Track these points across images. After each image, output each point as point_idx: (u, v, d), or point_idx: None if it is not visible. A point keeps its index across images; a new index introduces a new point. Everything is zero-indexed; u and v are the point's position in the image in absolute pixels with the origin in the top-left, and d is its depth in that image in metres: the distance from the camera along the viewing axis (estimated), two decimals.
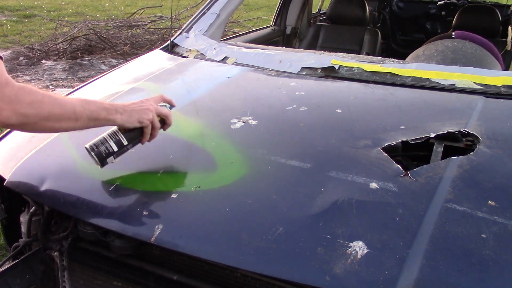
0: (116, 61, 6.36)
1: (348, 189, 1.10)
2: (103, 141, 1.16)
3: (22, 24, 8.82)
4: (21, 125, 1.03)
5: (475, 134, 1.30)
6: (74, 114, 1.08)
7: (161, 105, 1.25)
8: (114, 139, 1.17)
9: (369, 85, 1.70)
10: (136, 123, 1.17)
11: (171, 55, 2.14)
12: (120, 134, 1.18)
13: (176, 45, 2.21)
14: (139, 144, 1.24)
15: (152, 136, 1.22)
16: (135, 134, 1.20)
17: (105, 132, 1.19)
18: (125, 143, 1.18)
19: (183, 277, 1.14)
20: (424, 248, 0.93)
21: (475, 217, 1.00)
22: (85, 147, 1.17)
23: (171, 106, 1.30)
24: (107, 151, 1.16)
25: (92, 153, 1.16)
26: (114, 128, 1.19)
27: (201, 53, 2.10)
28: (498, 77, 1.63)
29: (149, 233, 1.04)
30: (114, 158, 1.19)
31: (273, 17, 3.74)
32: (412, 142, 1.29)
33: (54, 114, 1.05)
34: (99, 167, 1.19)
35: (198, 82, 1.83)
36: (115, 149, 1.17)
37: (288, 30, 3.72)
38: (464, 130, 1.32)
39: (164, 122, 1.24)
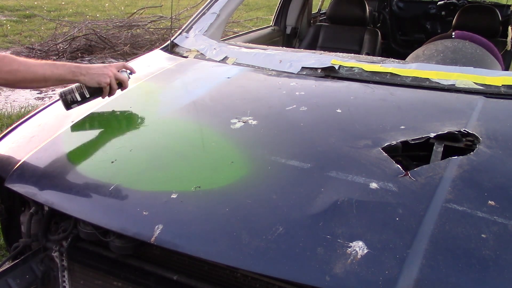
0: (116, 61, 6.35)
1: (348, 189, 1.10)
2: (71, 91, 1.50)
3: (22, 24, 8.82)
4: (2, 84, 1.38)
5: (475, 134, 1.30)
6: (43, 78, 1.39)
7: (122, 71, 1.57)
8: (79, 92, 1.50)
9: (369, 85, 1.70)
10: (96, 84, 1.48)
11: (171, 55, 2.14)
12: (85, 88, 1.50)
13: (176, 45, 2.21)
14: (139, 146, 1.27)
15: (110, 93, 1.54)
16: (97, 90, 1.52)
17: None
18: (88, 95, 1.51)
19: (183, 277, 1.14)
20: (424, 248, 0.92)
21: (475, 217, 0.99)
22: (58, 93, 1.53)
23: (131, 72, 1.61)
24: (72, 100, 1.51)
25: (60, 99, 1.51)
26: None
27: (201, 53, 2.10)
28: (498, 77, 1.63)
29: (149, 233, 1.04)
30: (78, 105, 1.53)
31: (273, 17, 3.74)
32: (412, 142, 1.29)
33: (27, 79, 1.38)
34: (66, 110, 1.53)
35: (198, 82, 1.83)
36: (79, 99, 1.51)
37: (288, 30, 3.72)
38: (464, 130, 1.31)
39: (121, 85, 1.56)
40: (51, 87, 5.34)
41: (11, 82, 1.36)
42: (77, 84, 1.49)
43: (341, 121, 1.45)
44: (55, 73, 1.40)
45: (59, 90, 1.49)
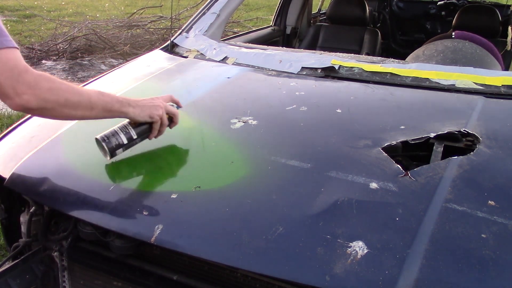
0: (116, 61, 6.36)
1: (348, 189, 1.10)
2: (114, 134, 1.22)
3: (22, 24, 8.81)
4: (40, 109, 1.09)
5: (475, 134, 1.30)
6: (89, 103, 1.14)
7: (169, 104, 1.33)
8: (124, 132, 1.23)
9: (369, 85, 1.70)
10: (147, 117, 1.24)
11: (171, 55, 2.14)
12: (130, 127, 1.24)
13: (176, 45, 2.21)
14: (139, 145, 1.26)
15: (159, 132, 1.28)
16: (144, 129, 1.26)
17: (115, 125, 1.25)
18: (135, 136, 1.24)
19: (183, 277, 1.13)
20: (424, 248, 0.92)
21: (475, 217, 0.99)
22: (96, 138, 1.23)
23: (178, 106, 1.37)
24: (117, 143, 1.22)
25: (103, 144, 1.21)
26: (125, 121, 1.25)
27: (201, 53, 2.10)
28: (498, 77, 1.63)
29: (149, 233, 1.04)
30: (123, 151, 1.24)
31: (273, 17, 3.74)
32: (412, 142, 1.29)
33: (71, 101, 1.11)
34: (108, 158, 1.23)
35: (198, 82, 1.83)
36: (125, 141, 1.23)
37: (288, 30, 3.72)
38: (464, 130, 1.32)
39: (171, 120, 1.31)
40: None
41: (52, 104, 1.08)
42: (119, 124, 1.24)
43: (341, 121, 1.45)
44: (101, 99, 1.16)
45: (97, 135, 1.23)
